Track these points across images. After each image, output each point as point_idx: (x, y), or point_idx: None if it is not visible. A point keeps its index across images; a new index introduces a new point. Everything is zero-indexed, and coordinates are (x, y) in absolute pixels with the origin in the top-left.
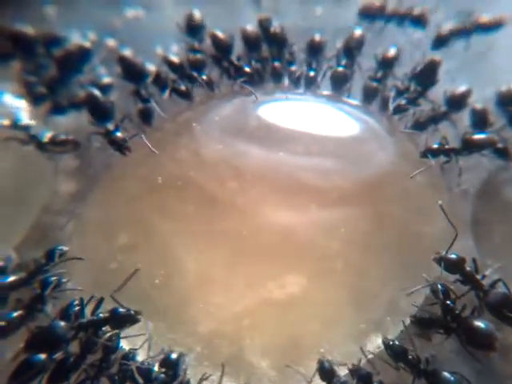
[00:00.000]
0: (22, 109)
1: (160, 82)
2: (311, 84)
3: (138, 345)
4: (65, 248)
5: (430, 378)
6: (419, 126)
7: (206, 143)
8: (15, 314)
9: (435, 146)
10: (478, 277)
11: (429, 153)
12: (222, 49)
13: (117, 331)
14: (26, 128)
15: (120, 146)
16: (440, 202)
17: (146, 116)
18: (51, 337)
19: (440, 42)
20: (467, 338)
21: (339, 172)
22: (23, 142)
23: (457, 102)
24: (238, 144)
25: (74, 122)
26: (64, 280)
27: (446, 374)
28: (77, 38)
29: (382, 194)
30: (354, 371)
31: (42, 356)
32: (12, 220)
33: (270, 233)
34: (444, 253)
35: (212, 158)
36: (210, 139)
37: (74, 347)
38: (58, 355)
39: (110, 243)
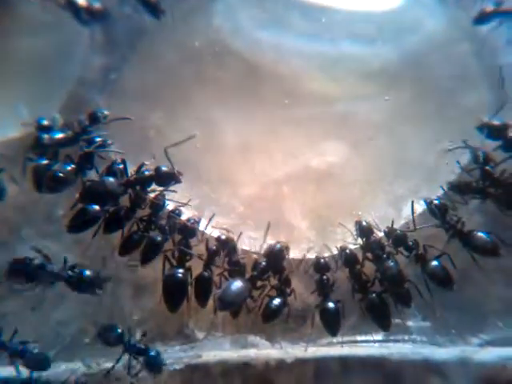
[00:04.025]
0: None
1: None
2: None
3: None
4: (106, 111)
5: (464, 237)
6: None
7: (243, 9)
8: (69, 168)
9: (491, 8)
10: None
11: (484, 17)
12: None
13: (162, 189)
14: None
15: (153, 8)
16: None
17: None
18: (103, 189)
19: None
20: (507, 199)
21: (382, 40)
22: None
23: None
24: (278, 11)
25: None
26: (108, 141)
27: (480, 233)
28: None
29: (426, 62)
30: (390, 232)
31: (96, 206)
32: (51, 86)
33: (310, 102)
34: (487, 119)
35: (250, 24)
36: (248, 5)
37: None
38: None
39: (149, 112)
